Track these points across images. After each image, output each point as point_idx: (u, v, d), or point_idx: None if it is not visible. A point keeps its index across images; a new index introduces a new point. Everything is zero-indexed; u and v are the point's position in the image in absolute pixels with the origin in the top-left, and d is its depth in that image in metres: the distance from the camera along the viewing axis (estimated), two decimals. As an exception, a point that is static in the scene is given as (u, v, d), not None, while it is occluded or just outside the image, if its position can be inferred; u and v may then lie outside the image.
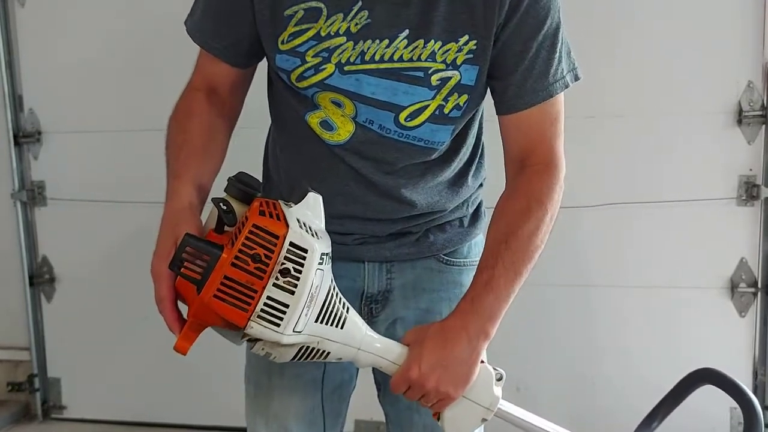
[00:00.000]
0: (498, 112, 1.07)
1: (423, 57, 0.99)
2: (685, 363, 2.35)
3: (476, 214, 1.20)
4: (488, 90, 1.06)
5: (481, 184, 1.21)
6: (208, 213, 0.93)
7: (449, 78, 1.00)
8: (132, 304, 2.66)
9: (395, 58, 0.99)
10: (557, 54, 1.02)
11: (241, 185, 0.91)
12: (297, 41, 1.00)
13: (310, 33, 0.99)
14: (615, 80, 2.25)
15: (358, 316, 0.93)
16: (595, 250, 2.36)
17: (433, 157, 1.09)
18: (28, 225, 2.70)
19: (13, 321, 2.75)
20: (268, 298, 0.81)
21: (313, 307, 0.85)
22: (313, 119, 1.05)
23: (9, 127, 2.61)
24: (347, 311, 0.90)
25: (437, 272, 1.16)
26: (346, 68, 1.00)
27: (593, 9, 2.20)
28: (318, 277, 0.83)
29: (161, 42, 2.49)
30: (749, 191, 2.25)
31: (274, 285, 0.80)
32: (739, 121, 2.23)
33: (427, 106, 1.02)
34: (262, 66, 1.13)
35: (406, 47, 0.99)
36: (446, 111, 1.03)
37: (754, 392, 2.34)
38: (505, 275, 0.98)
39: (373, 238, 1.12)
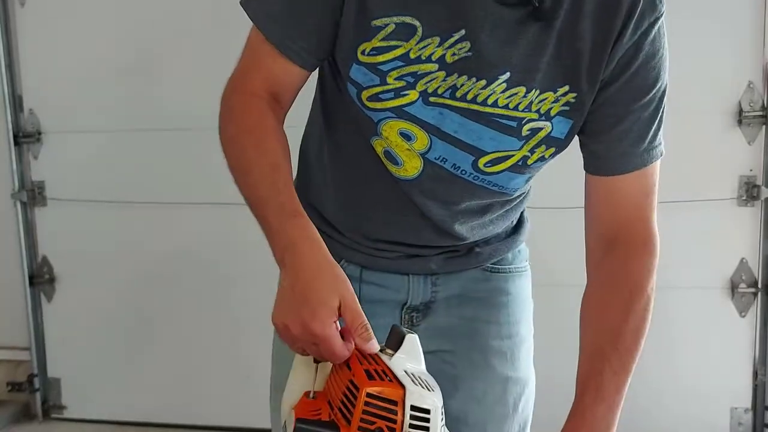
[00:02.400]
0: (586, 169, 0.98)
1: (521, 107, 0.89)
2: (685, 363, 2.36)
3: (520, 221, 1.14)
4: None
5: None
6: (292, 370, 0.81)
7: (540, 129, 0.91)
8: (132, 304, 2.66)
9: (489, 102, 0.89)
10: (658, 118, 0.94)
11: None
12: (381, 58, 0.88)
13: (398, 52, 0.87)
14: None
15: None
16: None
17: (502, 199, 1.02)
18: (28, 225, 2.70)
19: (13, 321, 2.74)
20: None
21: None
22: (377, 146, 0.95)
23: (9, 127, 2.61)
24: None
25: (483, 281, 1.09)
26: (431, 99, 0.89)
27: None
28: None
29: (161, 42, 2.49)
30: (749, 191, 2.25)
31: None
32: (740, 122, 2.23)
33: (512, 155, 0.93)
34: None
35: (503, 92, 0.88)
36: (530, 162, 0.94)
37: (754, 392, 2.35)
38: (615, 380, 0.89)
39: (419, 255, 1.05)
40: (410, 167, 0.95)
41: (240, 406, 2.61)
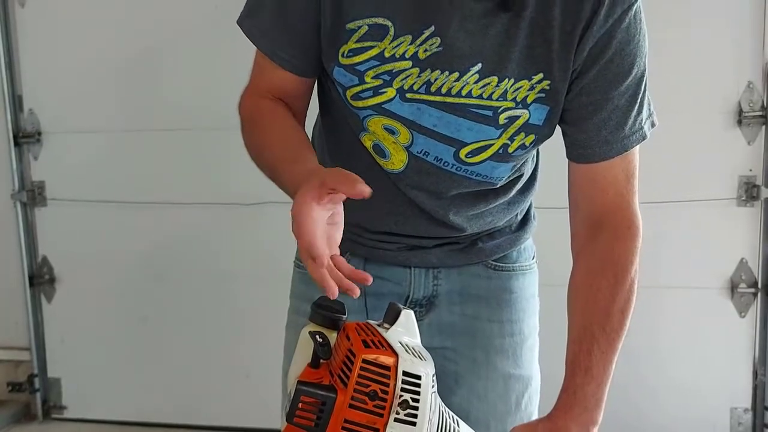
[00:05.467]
0: (568, 157, 1.00)
1: (494, 96, 0.91)
2: (685, 363, 2.36)
3: (526, 218, 1.15)
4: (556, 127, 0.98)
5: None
6: (298, 346, 0.86)
7: (518, 117, 0.93)
8: (132, 304, 2.66)
9: (463, 93, 0.91)
10: (638, 103, 0.94)
11: (326, 311, 0.85)
12: (357, 59, 0.91)
13: (373, 52, 0.91)
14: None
15: (467, 426, 0.87)
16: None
17: (489, 188, 1.03)
18: (28, 225, 2.70)
19: (13, 321, 2.75)
20: None
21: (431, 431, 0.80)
22: (366, 141, 0.99)
23: (9, 127, 2.61)
24: (458, 424, 0.85)
25: (485, 278, 1.10)
26: (408, 95, 0.92)
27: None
28: (434, 401, 0.79)
29: (161, 42, 2.49)
30: (749, 192, 2.25)
31: (396, 420, 0.76)
32: (739, 122, 2.23)
33: (492, 144, 0.95)
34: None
35: (476, 82, 0.90)
36: (510, 150, 0.96)
37: (754, 392, 2.35)
38: (603, 359, 0.94)
39: (420, 247, 1.07)
40: (397, 160, 0.98)
41: (240, 406, 2.61)
